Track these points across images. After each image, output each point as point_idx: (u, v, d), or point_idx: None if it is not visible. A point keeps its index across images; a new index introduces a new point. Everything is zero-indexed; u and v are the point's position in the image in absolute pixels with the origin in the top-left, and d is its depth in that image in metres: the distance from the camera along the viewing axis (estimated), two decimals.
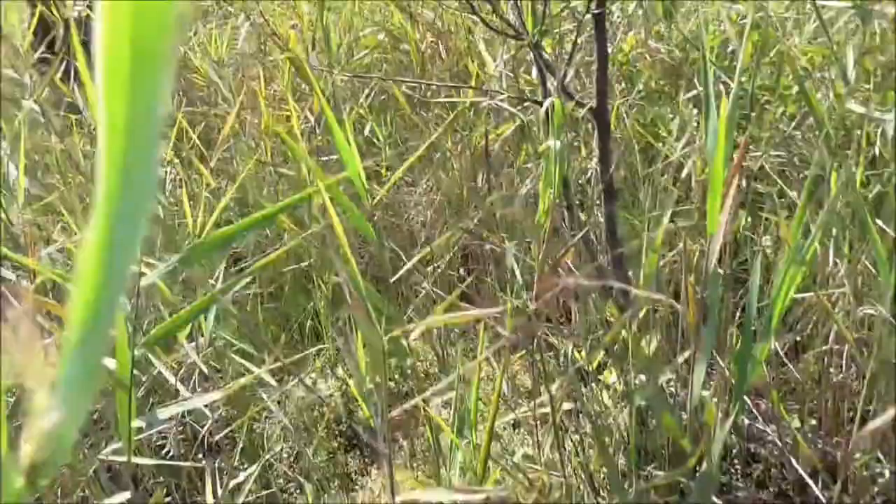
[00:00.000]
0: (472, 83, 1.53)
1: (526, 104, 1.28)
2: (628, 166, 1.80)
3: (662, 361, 1.35)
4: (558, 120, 0.84)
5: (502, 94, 1.13)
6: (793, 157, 1.91)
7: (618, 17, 2.28)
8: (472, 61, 1.82)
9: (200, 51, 1.90)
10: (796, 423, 1.39)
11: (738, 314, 1.68)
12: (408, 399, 1.68)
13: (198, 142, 1.51)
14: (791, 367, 1.42)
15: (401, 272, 0.86)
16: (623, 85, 2.20)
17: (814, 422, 1.39)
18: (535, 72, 1.14)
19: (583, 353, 1.37)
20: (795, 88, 1.78)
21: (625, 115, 2.03)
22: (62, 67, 2.01)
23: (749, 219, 1.93)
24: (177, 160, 1.55)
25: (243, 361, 1.12)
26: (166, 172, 1.59)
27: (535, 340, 1.75)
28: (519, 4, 1.09)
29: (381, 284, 1.77)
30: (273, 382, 1.07)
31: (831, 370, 1.34)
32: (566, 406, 1.14)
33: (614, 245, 1.26)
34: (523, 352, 1.54)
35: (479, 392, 1.20)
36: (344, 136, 0.71)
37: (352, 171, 0.73)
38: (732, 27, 2.24)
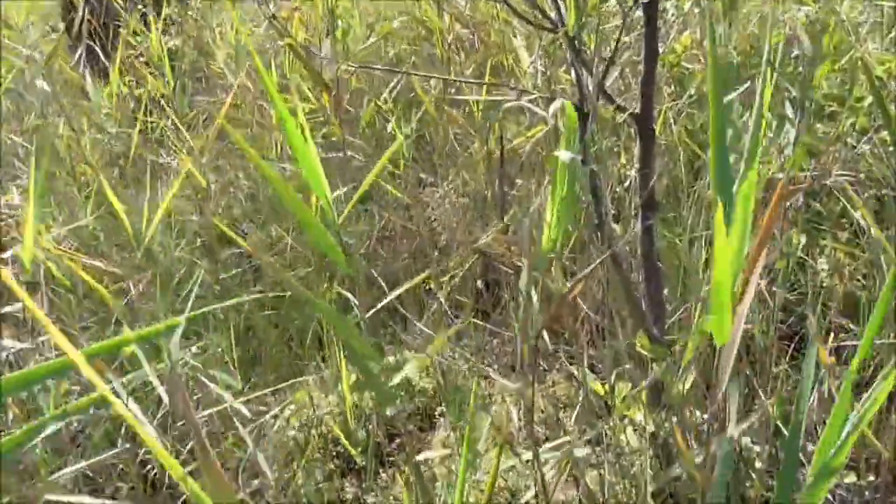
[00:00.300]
0: (505, 80, 1.39)
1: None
2: (672, 178, 1.63)
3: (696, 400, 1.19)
4: (571, 125, 0.70)
5: (532, 93, 0.99)
6: (859, 175, 1.72)
7: (672, 14, 2.11)
8: (507, 56, 1.68)
9: (220, 38, 1.81)
10: None
11: (789, 348, 1.51)
12: (412, 420, 1.56)
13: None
14: None
15: (382, 302, 0.74)
16: (673, 88, 2.03)
17: None
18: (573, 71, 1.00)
19: (605, 386, 1.22)
20: (869, 99, 1.60)
21: (672, 121, 1.87)
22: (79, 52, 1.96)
23: (803, 239, 1.75)
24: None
25: (217, 389, 1.01)
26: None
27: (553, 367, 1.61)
28: None
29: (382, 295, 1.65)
30: (247, 413, 0.95)
31: None
32: (579, 451, 1.00)
33: (650, 265, 1.12)
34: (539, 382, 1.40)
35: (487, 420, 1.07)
36: (301, 139, 0.59)
37: (315, 188, 0.60)
38: (800, 28, 2.05)
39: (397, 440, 1.62)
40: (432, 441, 1.60)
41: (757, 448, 1.14)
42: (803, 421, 0.68)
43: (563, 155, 0.63)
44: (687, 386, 1.16)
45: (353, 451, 1.54)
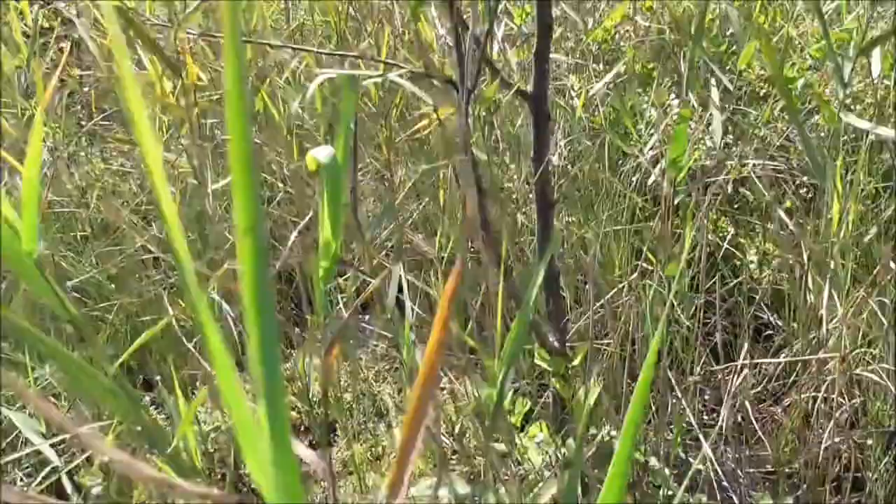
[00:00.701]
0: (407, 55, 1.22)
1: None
2: (591, 164, 1.50)
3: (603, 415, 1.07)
4: (348, 107, 0.55)
5: (402, 67, 0.83)
6: (790, 162, 1.62)
7: None
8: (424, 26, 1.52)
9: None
10: None
11: (710, 341, 1.40)
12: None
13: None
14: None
15: None
16: (602, 66, 1.90)
17: None
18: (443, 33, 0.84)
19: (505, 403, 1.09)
20: (801, 81, 1.49)
21: (599, 103, 1.73)
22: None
23: (732, 230, 1.65)
24: None
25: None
26: None
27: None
28: None
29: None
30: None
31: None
32: (461, 489, 0.87)
33: (547, 269, 0.98)
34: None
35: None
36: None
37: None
38: (735, 7, 1.93)
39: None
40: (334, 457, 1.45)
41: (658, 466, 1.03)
42: None
43: (320, 153, 0.48)
44: (591, 400, 1.03)
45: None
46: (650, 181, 1.27)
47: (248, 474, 1.45)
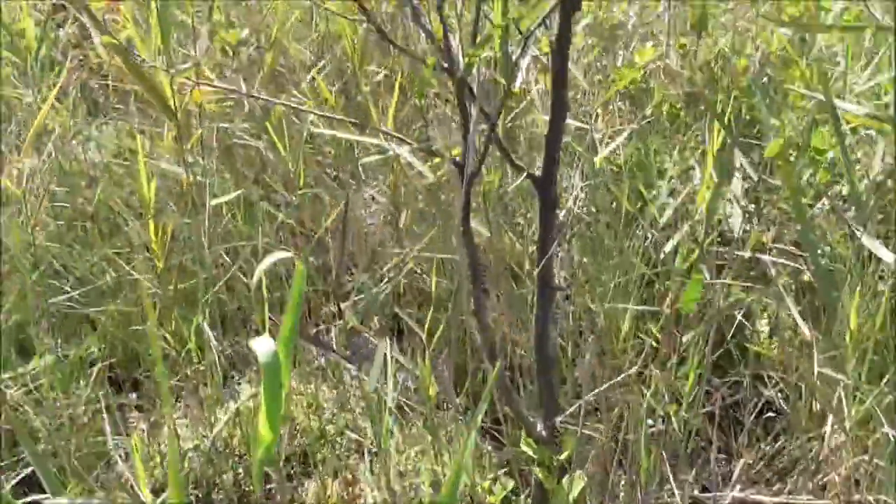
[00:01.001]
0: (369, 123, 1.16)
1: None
2: (611, 216, 1.44)
3: None
4: None
5: (409, 142, 0.78)
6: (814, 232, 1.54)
7: (633, 23, 1.89)
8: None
9: None
10: None
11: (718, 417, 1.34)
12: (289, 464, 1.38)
13: None
14: None
15: None
16: (627, 105, 1.82)
17: None
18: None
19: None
20: (832, 153, 1.41)
21: (621, 147, 1.66)
22: None
23: (747, 297, 1.58)
24: None
25: None
26: None
27: None
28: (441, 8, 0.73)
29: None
30: None
31: None
32: None
33: (542, 357, 0.93)
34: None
35: None
36: None
37: None
38: (774, 51, 1.85)
39: (269, 486, 1.45)
40: (307, 491, 1.42)
41: None
42: None
43: (260, 346, 0.43)
44: (575, 493, 0.99)
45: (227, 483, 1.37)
46: (662, 251, 1.21)
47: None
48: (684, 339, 0.99)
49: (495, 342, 0.76)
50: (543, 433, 0.95)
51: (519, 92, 1.31)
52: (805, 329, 1.05)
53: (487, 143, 0.79)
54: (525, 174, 0.82)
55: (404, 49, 0.77)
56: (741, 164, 1.15)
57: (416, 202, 1.56)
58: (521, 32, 0.75)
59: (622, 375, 0.98)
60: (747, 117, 1.52)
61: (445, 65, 0.77)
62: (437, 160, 0.79)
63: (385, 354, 0.82)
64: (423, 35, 0.86)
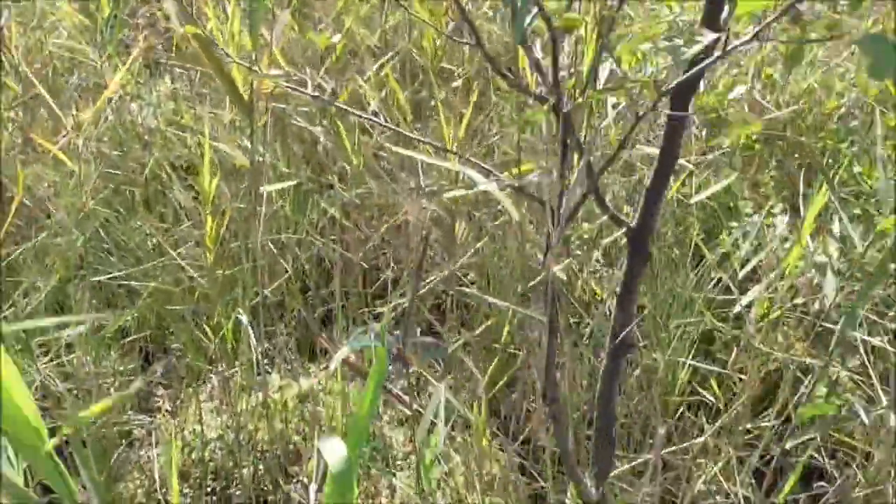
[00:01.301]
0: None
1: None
2: (678, 249, 1.36)
3: None
4: None
5: (498, 177, 0.72)
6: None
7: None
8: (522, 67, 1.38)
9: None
10: None
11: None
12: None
13: None
14: None
15: None
16: (702, 133, 1.73)
17: None
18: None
19: None
20: None
21: (694, 176, 1.57)
22: None
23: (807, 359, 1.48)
24: None
25: None
26: None
27: None
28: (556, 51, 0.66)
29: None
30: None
31: None
32: None
33: (605, 413, 0.87)
34: None
35: None
36: None
37: None
38: (872, 94, 1.73)
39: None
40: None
41: None
42: None
43: (329, 451, 0.37)
44: None
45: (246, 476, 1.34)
46: (734, 308, 1.13)
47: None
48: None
49: (562, 408, 0.70)
50: (592, 490, 0.89)
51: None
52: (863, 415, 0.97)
53: (586, 193, 0.72)
54: (623, 228, 0.75)
55: (523, 89, 0.70)
56: (840, 231, 1.06)
57: (470, 212, 1.50)
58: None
59: (687, 444, 0.91)
60: (842, 171, 1.41)
61: (548, 98, 0.70)
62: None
63: (440, 399, 0.76)
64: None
